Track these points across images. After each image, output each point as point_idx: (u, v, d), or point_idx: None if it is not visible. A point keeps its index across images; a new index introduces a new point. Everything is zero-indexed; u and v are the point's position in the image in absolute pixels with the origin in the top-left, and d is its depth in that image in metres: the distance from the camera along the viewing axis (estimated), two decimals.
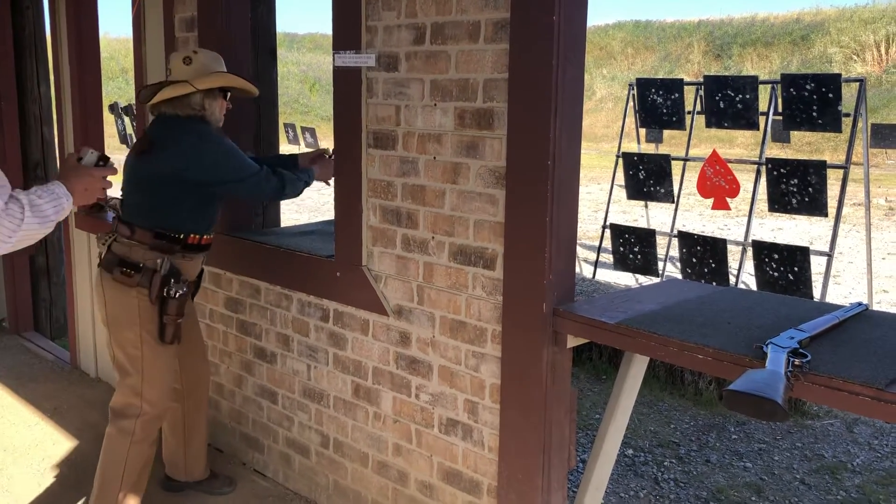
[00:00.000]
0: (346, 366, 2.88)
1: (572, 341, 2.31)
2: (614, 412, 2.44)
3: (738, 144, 19.23)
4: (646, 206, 8.49)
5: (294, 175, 2.77)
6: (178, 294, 2.66)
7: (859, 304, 2.22)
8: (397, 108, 2.55)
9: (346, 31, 2.64)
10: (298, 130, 15.14)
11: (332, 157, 2.86)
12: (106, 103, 6.63)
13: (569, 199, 2.25)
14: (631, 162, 6.59)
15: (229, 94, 2.80)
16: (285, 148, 13.16)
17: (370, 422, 2.83)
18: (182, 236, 2.68)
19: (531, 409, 2.30)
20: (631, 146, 8.26)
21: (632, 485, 3.56)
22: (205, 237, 2.77)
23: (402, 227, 2.60)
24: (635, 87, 6.63)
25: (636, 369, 2.44)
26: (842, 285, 7.71)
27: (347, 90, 2.67)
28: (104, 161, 2.15)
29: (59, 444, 3.62)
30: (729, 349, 1.90)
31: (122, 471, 2.67)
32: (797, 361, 1.77)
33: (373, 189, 2.67)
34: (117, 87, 23.68)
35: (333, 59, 2.69)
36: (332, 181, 2.83)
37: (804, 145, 18.43)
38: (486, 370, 2.42)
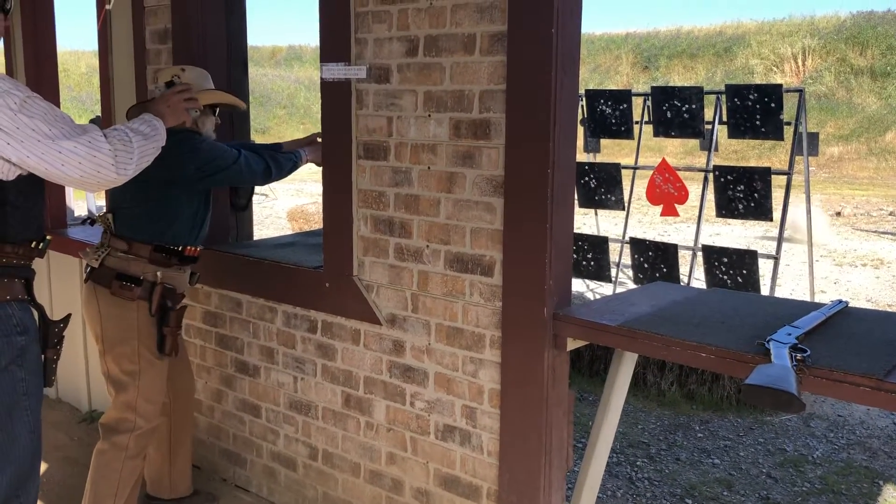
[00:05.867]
0: (336, 376, 2.88)
1: (571, 344, 2.37)
2: (606, 412, 2.51)
3: (670, 153, 19.77)
4: (595, 214, 8.66)
5: (279, 155, 2.87)
6: (178, 305, 2.70)
7: (840, 301, 2.34)
8: (389, 119, 2.58)
9: (335, 43, 2.65)
10: None
11: None
12: None
13: (566, 205, 2.32)
14: (582, 171, 6.72)
15: (218, 109, 2.84)
16: None
17: (362, 431, 2.83)
18: (180, 248, 2.70)
19: (532, 411, 2.35)
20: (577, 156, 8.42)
21: (608, 485, 3.64)
22: (198, 248, 2.80)
23: (395, 236, 2.62)
24: (584, 98, 6.77)
25: (625, 369, 2.53)
26: (782, 287, 8.01)
27: (336, 102, 2.69)
28: (171, 85, 2.64)
29: None
30: (730, 347, 1.99)
31: (117, 487, 2.63)
32: (799, 356, 1.86)
33: (363, 199, 2.69)
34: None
35: (321, 71, 2.70)
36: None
37: (731, 153, 19.08)
38: (485, 375, 2.46)
